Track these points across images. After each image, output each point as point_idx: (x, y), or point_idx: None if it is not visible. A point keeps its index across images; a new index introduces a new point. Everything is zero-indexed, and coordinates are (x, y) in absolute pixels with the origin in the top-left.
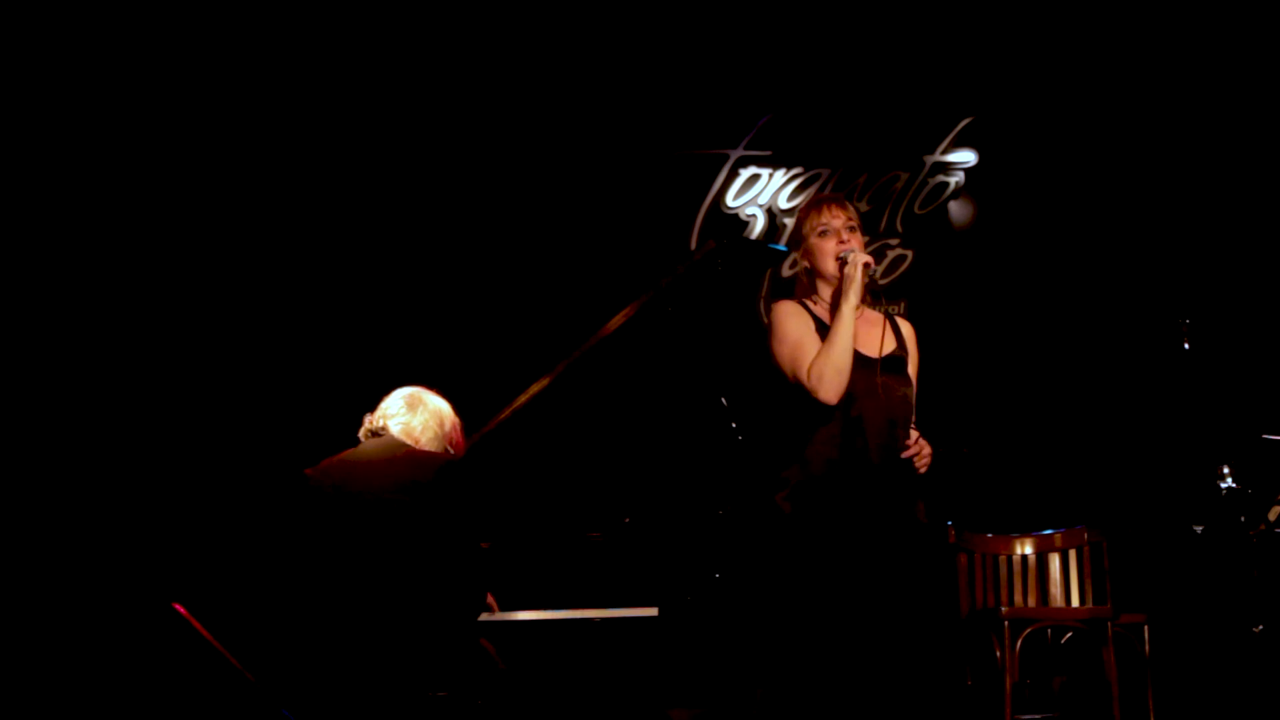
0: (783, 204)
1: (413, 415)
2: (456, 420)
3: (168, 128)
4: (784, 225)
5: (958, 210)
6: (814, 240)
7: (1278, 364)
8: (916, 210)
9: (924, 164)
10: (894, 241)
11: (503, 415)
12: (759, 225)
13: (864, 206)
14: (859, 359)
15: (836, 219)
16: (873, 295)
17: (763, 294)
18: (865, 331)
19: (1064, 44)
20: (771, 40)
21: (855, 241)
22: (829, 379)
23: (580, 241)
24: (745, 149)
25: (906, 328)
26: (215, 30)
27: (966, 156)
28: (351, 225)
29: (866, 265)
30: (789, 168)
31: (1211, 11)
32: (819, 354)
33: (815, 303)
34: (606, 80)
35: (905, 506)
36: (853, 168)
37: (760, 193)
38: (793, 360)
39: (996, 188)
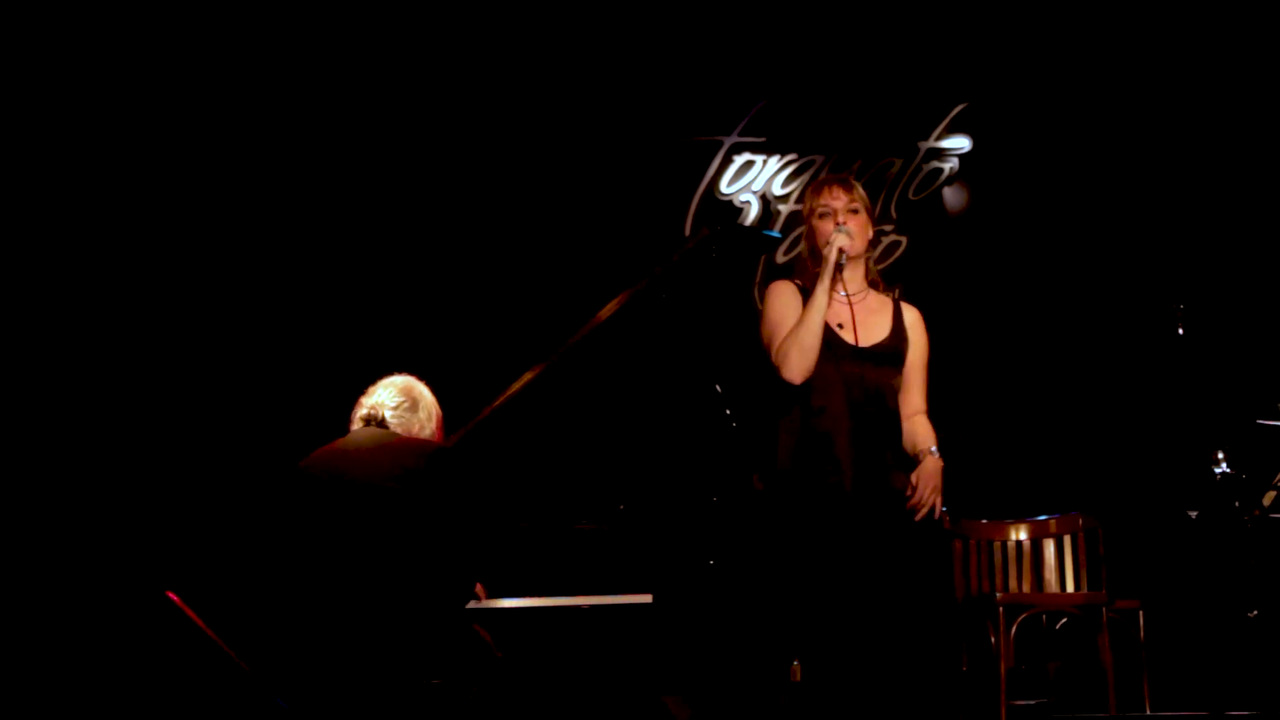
0: (777, 190)
1: (414, 414)
2: (440, 414)
3: (159, 123)
4: (778, 212)
5: (952, 196)
6: (814, 222)
7: (1272, 349)
8: (911, 196)
9: (918, 150)
10: (888, 228)
11: (496, 404)
12: (753, 212)
13: None
14: (840, 346)
15: (838, 200)
16: (884, 280)
17: (757, 280)
18: (863, 319)
19: (1057, 29)
20: (765, 27)
21: (855, 224)
22: (792, 358)
23: (573, 229)
24: (739, 135)
25: (912, 315)
26: (206, 23)
27: (960, 142)
28: (342, 215)
29: (840, 250)
30: (783, 154)
31: None
32: (788, 333)
33: (814, 283)
34: (599, 67)
35: (876, 490)
36: (847, 154)
37: (754, 179)
38: (769, 337)
39: (990, 173)
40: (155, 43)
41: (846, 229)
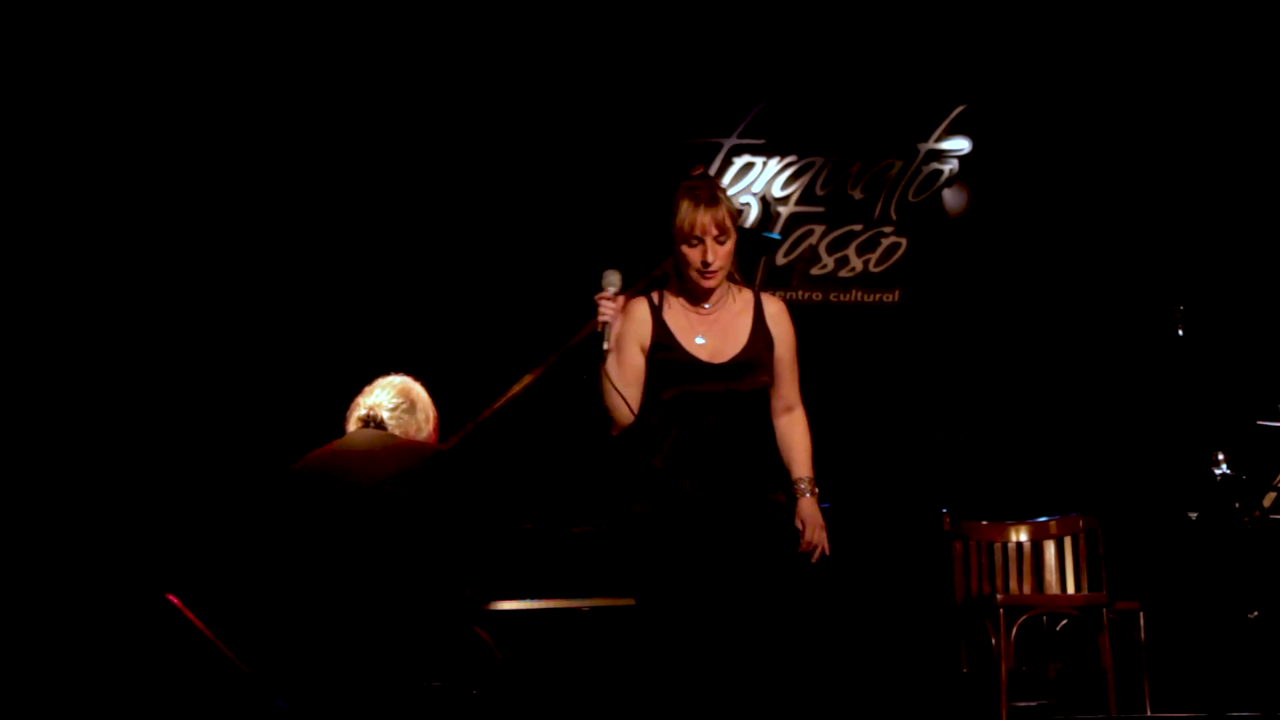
0: (776, 192)
1: (412, 415)
2: (436, 416)
3: (158, 123)
4: (778, 214)
5: (951, 197)
6: (683, 249)
7: (1272, 350)
8: (910, 198)
9: (918, 152)
10: (888, 229)
11: (495, 406)
12: (753, 214)
13: (858, 195)
14: (699, 368)
15: (708, 233)
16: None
17: (757, 282)
18: (723, 328)
19: (1056, 31)
20: (765, 29)
21: (723, 254)
22: (612, 416)
23: (573, 231)
24: (739, 138)
25: (774, 307)
26: (205, 23)
27: (960, 144)
28: (341, 217)
29: (606, 351)
30: (783, 156)
31: None
32: (613, 391)
33: (675, 295)
34: (599, 70)
35: (748, 501)
36: (846, 156)
37: (754, 182)
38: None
39: (990, 175)
40: (155, 43)
41: (611, 328)
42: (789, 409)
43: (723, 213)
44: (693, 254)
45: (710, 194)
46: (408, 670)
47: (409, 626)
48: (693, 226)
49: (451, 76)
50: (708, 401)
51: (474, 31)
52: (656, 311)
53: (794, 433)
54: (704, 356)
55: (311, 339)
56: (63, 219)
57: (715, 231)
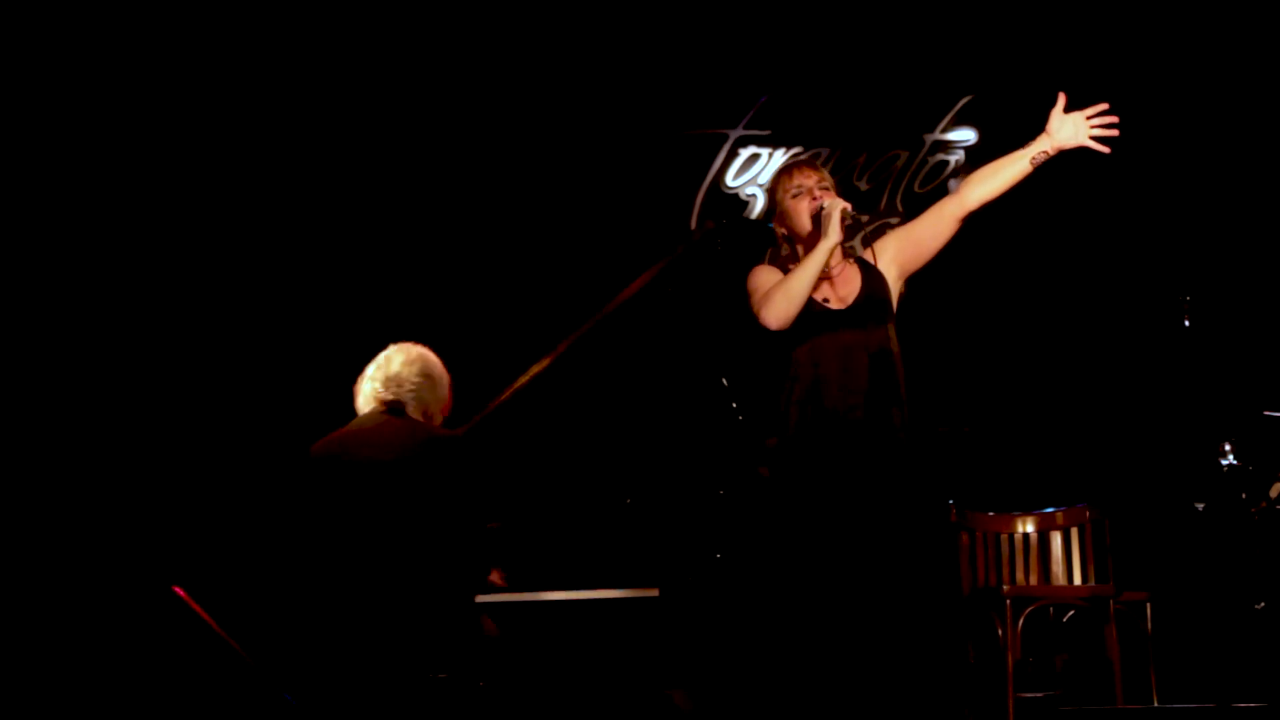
0: None
1: (433, 391)
2: (449, 379)
3: (159, 120)
4: None
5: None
6: (788, 203)
7: (1278, 341)
8: (916, 189)
9: (924, 142)
10: (894, 220)
11: (503, 396)
12: (759, 205)
13: (864, 186)
14: (827, 316)
15: (809, 179)
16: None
17: None
18: (842, 284)
19: (1063, 20)
20: (770, 19)
21: (830, 200)
22: (776, 301)
23: (580, 222)
24: (745, 129)
25: (879, 243)
26: (206, 23)
27: (967, 135)
28: (352, 212)
29: (844, 210)
30: (788, 147)
31: None
32: (779, 280)
33: (792, 267)
34: (605, 60)
35: (884, 459)
36: (852, 147)
37: (760, 172)
38: (754, 302)
39: None
40: (155, 43)
41: (833, 199)
42: (953, 199)
43: (823, 172)
44: (800, 204)
45: (806, 159)
46: (413, 662)
47: (415, 618)
48: (795, 179)
49: (463, 66)
50: (843, 348)
51: (483, 25)
52: (784, 270)
53: (970, 179)
54: (829, 305)
55: (326, 334)
56: (68, 208)
57: (816, 178)
